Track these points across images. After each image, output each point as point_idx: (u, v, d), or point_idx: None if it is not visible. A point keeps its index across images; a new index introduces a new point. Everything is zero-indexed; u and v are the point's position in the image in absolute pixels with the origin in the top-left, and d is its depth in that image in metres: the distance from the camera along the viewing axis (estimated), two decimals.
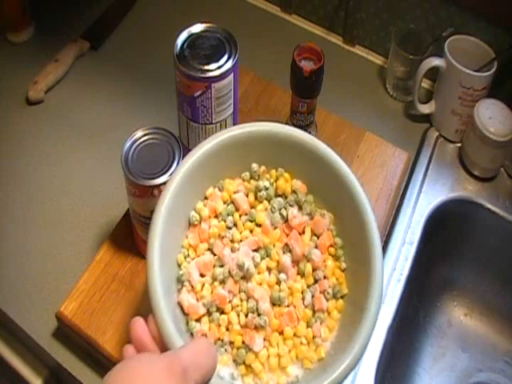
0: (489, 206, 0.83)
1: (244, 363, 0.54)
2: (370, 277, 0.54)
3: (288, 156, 0.61)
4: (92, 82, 0.94)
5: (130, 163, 0.64)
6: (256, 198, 0.61)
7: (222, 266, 0.57)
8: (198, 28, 0.68)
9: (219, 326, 0.55)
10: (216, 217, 0.60)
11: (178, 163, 0.63)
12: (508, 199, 0.84)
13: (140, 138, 0.66)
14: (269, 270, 0.58)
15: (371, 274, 0.54)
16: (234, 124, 0.72)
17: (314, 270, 0.58)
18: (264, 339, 0.55)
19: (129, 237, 0.72)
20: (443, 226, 0.84)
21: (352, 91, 0.93)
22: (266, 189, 0.61)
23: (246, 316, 0.55)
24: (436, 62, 0.83)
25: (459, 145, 0.87)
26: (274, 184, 0.62)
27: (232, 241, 0.59)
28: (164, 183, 0.62)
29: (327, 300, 0.57)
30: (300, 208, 0.60)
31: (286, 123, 0.78)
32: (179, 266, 0.57)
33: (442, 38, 0.84)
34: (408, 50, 0.87)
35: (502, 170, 0.86)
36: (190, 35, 0.68)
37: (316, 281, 0.58)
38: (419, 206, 0.82)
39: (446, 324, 0.91)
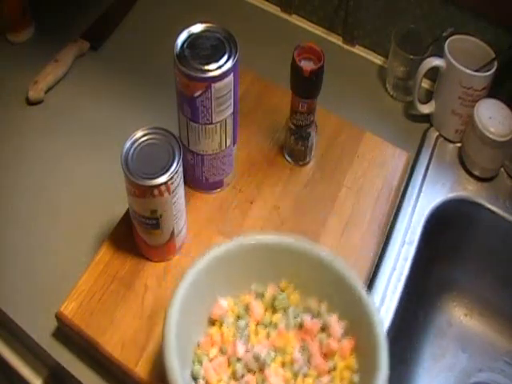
0: (489, 206, 0.83)
1: None
2: None
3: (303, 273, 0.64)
4: (92, 82, 0.94)
5: (130, 163, 0.63)
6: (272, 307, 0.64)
7: (238, 360, 0.60)
8: (197, 28, 0.68)
9: None
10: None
11: (177, 163, 0.63)
12: (508, 199, 0.84)
13: (140, 138, 0.65)
14: (283, 364, 0.61)
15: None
16: (234, 125, 0.72)
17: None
18: None
19: (129, 237, 0.72)
20: (443, 226, 0.84)
21: (352, 91, 0.93)
22: (283, 299, 0.64)
23: None
24: (436, 62, 0.83)
25: (459, 145, 0.87)
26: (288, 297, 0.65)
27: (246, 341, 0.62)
28: (164, 183, 0.62)
29: None
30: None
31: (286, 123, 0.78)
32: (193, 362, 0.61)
33: (442, 38, 0.84)
34: (408, 49, 0.87)
35: (502, 170, 0.86)
36: (190, 35, 0.68)
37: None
38: (419, 205, 0.81)
39: (445, 324, 0.91)
